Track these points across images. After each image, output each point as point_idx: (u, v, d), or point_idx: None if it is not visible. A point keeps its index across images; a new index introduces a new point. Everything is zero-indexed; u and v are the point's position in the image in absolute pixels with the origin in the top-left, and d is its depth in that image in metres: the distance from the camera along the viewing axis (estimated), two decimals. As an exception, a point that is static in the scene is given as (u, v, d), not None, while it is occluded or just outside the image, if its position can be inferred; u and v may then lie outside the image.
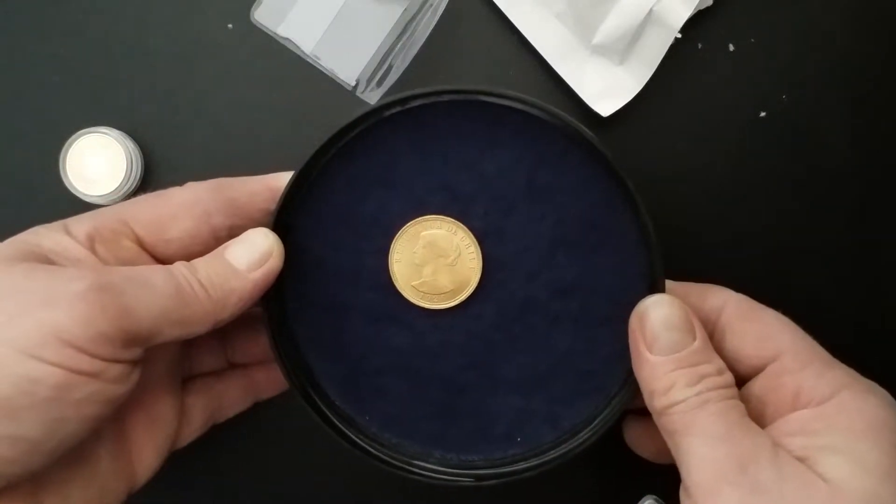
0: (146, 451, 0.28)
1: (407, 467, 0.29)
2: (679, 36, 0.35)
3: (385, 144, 0.28)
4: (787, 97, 0.36)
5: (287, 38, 0.33)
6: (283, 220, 0.28)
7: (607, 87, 0.35)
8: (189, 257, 0.27)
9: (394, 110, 0.28)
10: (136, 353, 0.24)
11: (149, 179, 0.37)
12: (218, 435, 0.33)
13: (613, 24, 0.34)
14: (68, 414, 0.23)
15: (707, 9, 0.36)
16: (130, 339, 0.23)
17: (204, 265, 0.26)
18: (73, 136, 0.35)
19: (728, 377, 0.27)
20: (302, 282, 0.29)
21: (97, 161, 0.35)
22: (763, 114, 0.36)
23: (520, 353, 0.29)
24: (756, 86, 0.36)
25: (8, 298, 0.22)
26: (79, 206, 0.35)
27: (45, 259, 0.25)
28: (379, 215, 0.29)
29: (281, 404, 0.33)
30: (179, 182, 0.29)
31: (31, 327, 0.22)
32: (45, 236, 0.26)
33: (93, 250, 0.26)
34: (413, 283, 0.29)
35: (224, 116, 0.37)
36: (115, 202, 0.36)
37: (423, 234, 0.29)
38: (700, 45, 0.36)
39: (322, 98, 0.36)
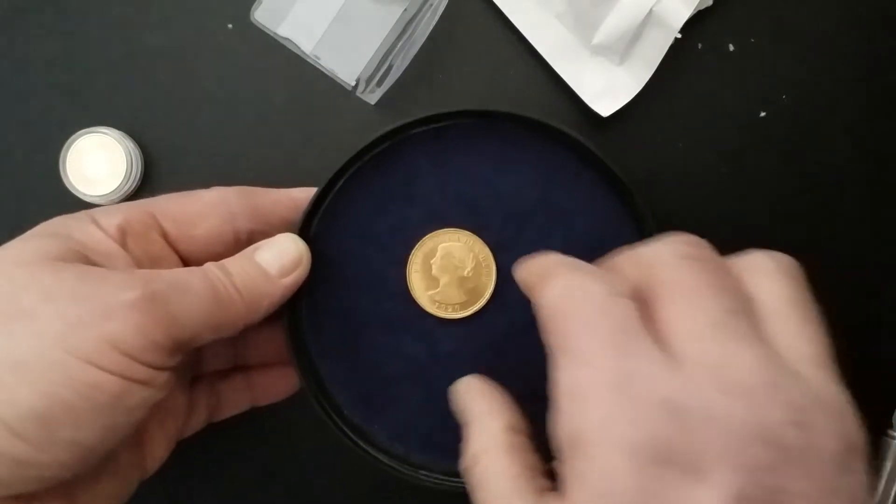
0: (157, 443, 0.29)
1: (415, 475, 0.30)
2: (679, 36, 0.35)
3: (406, 160, 0.30)
4: (787, 97, 0.36)
5: (287, 38, 0.33)
6: (306, 229, 0.29)
7: (607, 87, 0.35)
8: (210, 256, 0.27)
9: (417, 130, 0.29)
10: (178, 359, 0.25)
11: (149, 179, 0.37)
12: (217, 432, 0.33)
13: (613, 24, 0.34)
14: (121, 420, 0.23)
15: (707, 9, 0.36)
16: (177, 347, 0.24)
17: (237, 269, 0.26)
18: (73, 136, 0.35)
19: None
20: (320, 290, 0.30)
21: (97, 161, 0.35)
22: (763, 114, 0.36)
23: (529, 363, 0.30)
24: (756, 86, 0.36)
25: (67, 305, 0.23)
26: (79, 206, 0.35)
27: (84, 257, 0.25)
28: (398, 228, 0.30)
29: (279, 406, 0.33)
30: (179, 182, 0.29)
31: (90, 336, 0.22)
32: (76, 228, 0.26)
33: (123, 244, 0.26)
34: (429, 293, 0.30)
35: (224, 116, 0.36)
36: (115, 202, 0.36)
37: (440, 245, 0.30)
38: (700, 45, 0.36)
39: (322, 98, 0.36)
